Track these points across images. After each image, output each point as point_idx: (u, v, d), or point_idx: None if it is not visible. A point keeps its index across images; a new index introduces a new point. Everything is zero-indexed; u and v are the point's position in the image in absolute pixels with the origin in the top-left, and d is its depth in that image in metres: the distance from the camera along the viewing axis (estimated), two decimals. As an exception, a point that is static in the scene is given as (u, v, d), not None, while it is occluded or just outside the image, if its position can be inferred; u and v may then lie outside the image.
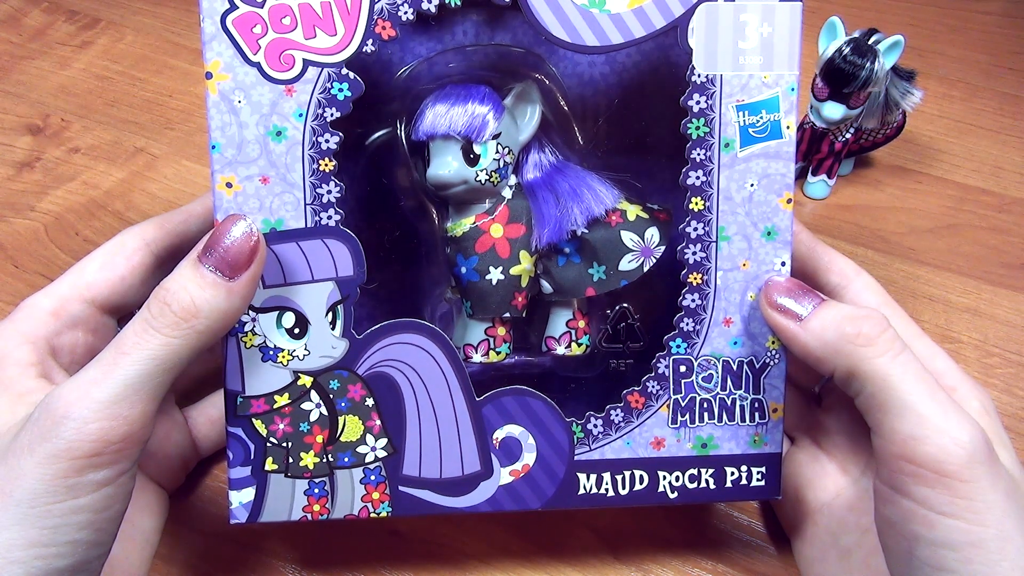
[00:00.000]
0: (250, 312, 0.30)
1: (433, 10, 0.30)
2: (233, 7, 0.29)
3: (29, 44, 0.59)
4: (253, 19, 0.29)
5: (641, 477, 0.32)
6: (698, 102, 0.31)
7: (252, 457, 0.31)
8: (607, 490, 0.32)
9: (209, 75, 0.29)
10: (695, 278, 0.32)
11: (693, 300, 0.32)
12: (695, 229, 0.32)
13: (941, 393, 0.28)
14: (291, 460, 0.31)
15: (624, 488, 0.32)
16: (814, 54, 0.47)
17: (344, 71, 0.30)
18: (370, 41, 0.30)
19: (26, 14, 0.62)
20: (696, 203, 0.32)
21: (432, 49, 0.31)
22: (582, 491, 0.32)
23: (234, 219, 0.28)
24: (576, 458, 0.32)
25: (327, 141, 0.30)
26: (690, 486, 0.32)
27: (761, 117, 0.31)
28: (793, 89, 0.31)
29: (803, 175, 0.53)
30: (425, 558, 0.37)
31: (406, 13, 0.30)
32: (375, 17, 0.30)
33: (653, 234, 0.33)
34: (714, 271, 0.32)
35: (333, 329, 0.31)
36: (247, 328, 0.30)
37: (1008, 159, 0.56)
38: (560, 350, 0.34)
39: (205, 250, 0.27)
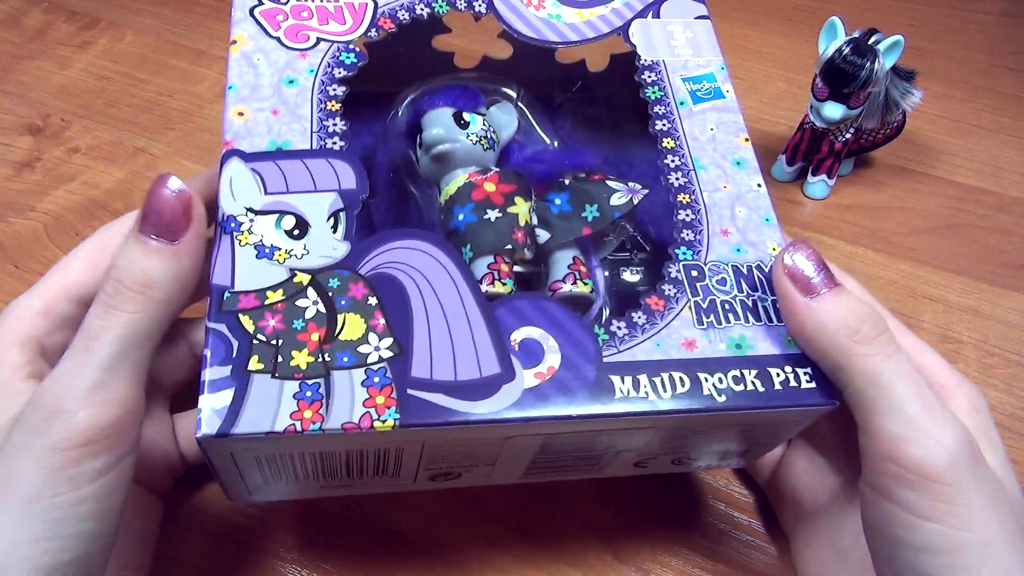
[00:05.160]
0: (248, 213, 0.29)
1: (424, 16, 0.37)
2: (260, 3, 0.35)
3: (29, 44, 0.59)
4: (277, 11, 0.35)
5: (681, 379, 0.29)
6: (649, 77, 0.37)
7: (234, 355, 0.27)
8: (647, 394, 0.28)
9: (234, 42, 0.33)
10: (684, 197, 0.34)
11: (687, 215, 0.33)
12: (672, 161, 0.35)
13: (930, 395, 0.27)
14: (280, 359, 0.27)
15: (666, 391, 0.28)
16: (814, 54, 0.47)
17: (352, 46, 0.35)
18: (374, 30, 0.35)
19: (26, 14, 0.62)
20: (668, 142, 0.35)
21: (425, 41, 0.38)
22: (619, 395, 0.28)
23: (160, 181, 0.27)
24: (605, 360, 0.29)
25: (334, 89, 0.33)
26: (736, 388, 0.29)
27: (703, 85, 0.37)
28: (723, 68, 0.38)
29: (803, 175, 0.53)
30: (425, 558, 0.37)
31: (403, 16, 0.36)
32: (378, 15, 0.36)
33: (635, 185, 0.36)
34: (699, 191, 0.34)
35: (335, 233, 0.29)
36: (243, 227, 0.29)
37: (1008, 159, 0.56)
38: (567, 288, 0.33)
39: (142, 221, 0.27)
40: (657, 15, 0.39)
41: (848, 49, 0.45)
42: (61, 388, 0.25)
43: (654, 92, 0.37)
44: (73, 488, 0.24)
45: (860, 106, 0.47)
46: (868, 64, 0.45)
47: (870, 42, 0.46)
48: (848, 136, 0.50)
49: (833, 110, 0.47)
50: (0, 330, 0.29)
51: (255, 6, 0.34)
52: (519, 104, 0.39)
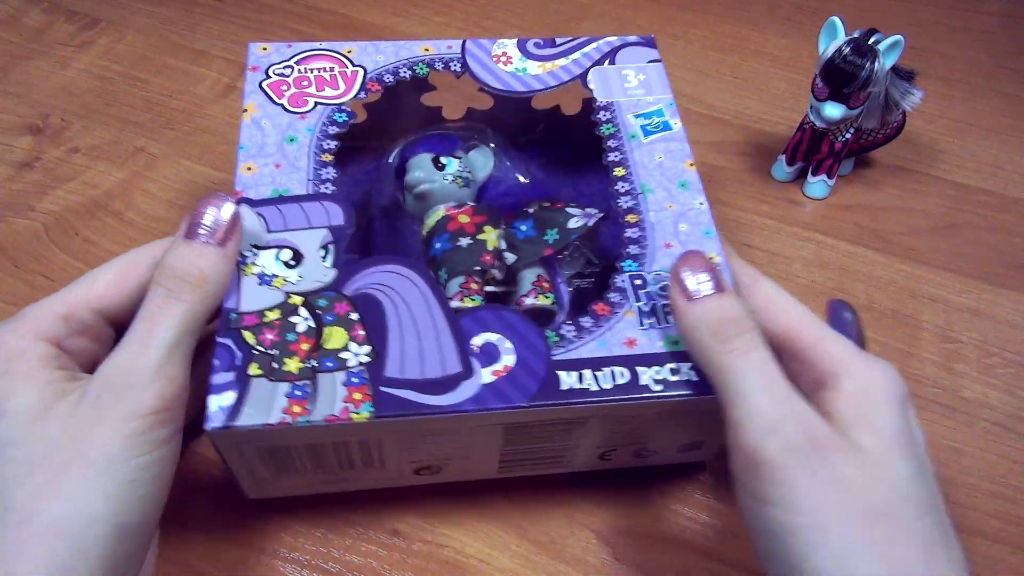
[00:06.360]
0: (253, 249, 0.34)
1: (408, 77, 0.42)
2: (268, 77, 0.41)
3: (29, 44, 0.59)
4: (282, 83, 0.41)
5: (622, 372, 0.33)
6: (604, 115, 0.41)
7: (237, 363, 0.31)
8: (590, 385, 0.32)
9: (245, 111, 0.39)
10: (631, 218, 0.37)
11: (634, 232, 0.37)
12: (622, 187, 0.39)
13: (780, 388, 0.28)
14: (275, 366, 0.31)
15: (607, 382, 0.32)
16: (814, 54, 0.47)
17: (344, 107, 0.40)
18: (363, 93, 0.41)
19: (26, 14, 0.62)
20: (619, 171, 0.39)
21: (416, 99, 0.42)
22: (564, 387, 0.32)
23: (212, 197, 0.32)
24: (554, 358, 0.33)
25: (328, 144, 0.39)
26: (672, 379, 0.32)
27: (653, 120, 0.41)
28: (671, 104, 0.42)
29: (803, 175, 0.53)
30: (425, 558, 0.37)
31: (388, 79, 0.42)
32: (367, 80, 0.41)
33: (591, 210, 0.40)
34: (646, 211, 0.38)
35: (325, 261, 0.34)
36: (248, 261, 0.34)
37: (1008, 159, 0.56)
38: (529, 300, 0.38)
39: (191, 228, 0.31)
40: (613, 62, 0.43)
41: (848, 49, 0.45)
42: (131, 366, 0.28)
43: (608, 128, 0.41)
44: (148, 450, 0.27)
45: (860, 106, 0.47)
46: (868, 64, 0.45)
47: (870, 42, 0.46)
48: (848, 136, 0.50)
49: (833, 110, 0.47)
50: (26, 328, 0.30)
51: (263, 80, 0.40)
52: (495, 148, 0.43)
